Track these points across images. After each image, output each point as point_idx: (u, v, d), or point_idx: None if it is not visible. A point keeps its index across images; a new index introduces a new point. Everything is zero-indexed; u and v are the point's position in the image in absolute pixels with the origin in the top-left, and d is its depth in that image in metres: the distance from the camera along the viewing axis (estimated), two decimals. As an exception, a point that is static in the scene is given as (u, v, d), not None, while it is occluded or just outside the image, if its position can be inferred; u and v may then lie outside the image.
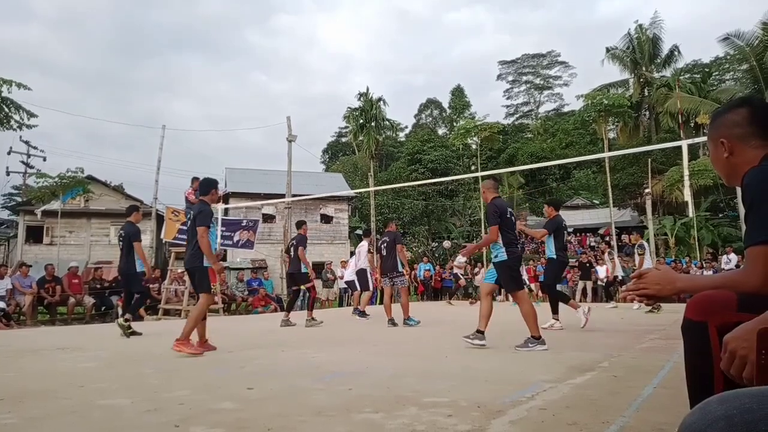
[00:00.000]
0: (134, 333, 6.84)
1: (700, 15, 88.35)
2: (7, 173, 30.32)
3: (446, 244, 28.30)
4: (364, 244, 10.57)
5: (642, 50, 34.39)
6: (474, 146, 34.15)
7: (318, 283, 18.63)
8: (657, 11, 59.86)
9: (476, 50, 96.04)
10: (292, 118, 20.42)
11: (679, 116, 25.59)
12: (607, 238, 30.57)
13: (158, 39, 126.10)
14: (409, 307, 8.22)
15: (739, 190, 1.50)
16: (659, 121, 32.75)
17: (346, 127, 46.91)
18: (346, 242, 28.86)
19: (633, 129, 34.17)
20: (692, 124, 26.94)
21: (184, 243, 13.83)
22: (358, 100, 37.07)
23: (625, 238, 30.35)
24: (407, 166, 39.00)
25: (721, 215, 28.20)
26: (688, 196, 8.60)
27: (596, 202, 36.79)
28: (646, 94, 34.70)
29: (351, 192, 28.43)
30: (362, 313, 9.84)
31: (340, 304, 17.05)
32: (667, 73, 34.27)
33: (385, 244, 8.33)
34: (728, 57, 30.77)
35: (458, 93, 53.81)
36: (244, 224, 15.28)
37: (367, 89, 36.87)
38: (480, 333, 5.06)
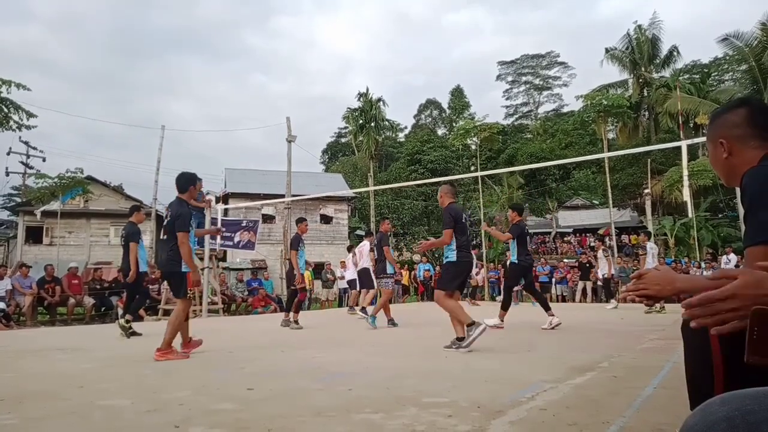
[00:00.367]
0: (134, 333, 6.84)
1: (699, 16, 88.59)
2: (7, 174, 30.33)
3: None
4: (365, 244, 10.62)
5: (641, 51, 34.40)
6: (473, 147, 34.13)
7: (317, 284, 18.69)
8: (656, 12, 60.01)
9: (476, 51, 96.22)
10: (291, 118, 20.42)
11: (679, 117, 25.59)
12: (606, 238, 30.59)
13: (158, 40, 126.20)
14: (385, 309, 8.11)
15: (738, 190, 1.50)
16: (658, 121, 32.78)
17: (345, 128, 46.93)
18: (345, 243, 28.87)
19: (632, 129, 34.19)
20: (691, 125, 26.96)
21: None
22: (358, 101, 37.06)
23: (624, 238, 30.45)
24: (407, 166, 39.01)
25: (720, 215, 28.21)
26: (687, 196, 8.62)
27: (596, 202, 36.79)
28: (646, 94, 34.72)
29: (350, 192, 28.43)
30: (363, 309, 9.85)
31: (340, 305, 17.04)
32: (667, 73, 34.30)
33: (376, 245, 8.39)
34: (727, 57, 30.84)
35: (458, 93, 53.83)
36: (244, 225, 15.26)
37: (367, 90, 36.87)
38: (460, 339, 5.00)
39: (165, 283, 4.82)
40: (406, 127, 55.93)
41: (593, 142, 36.63)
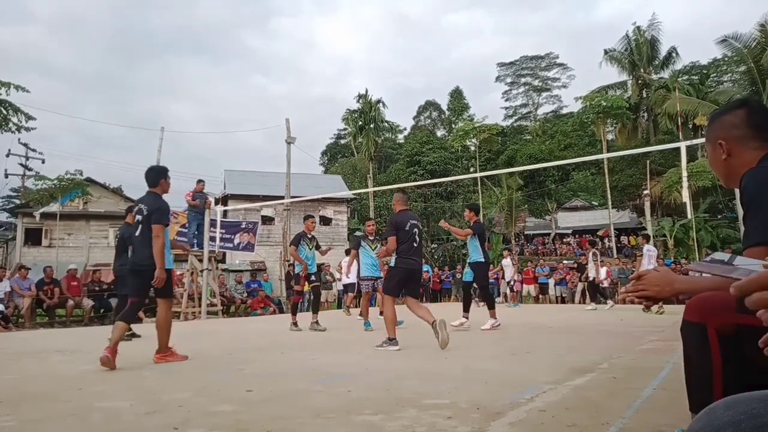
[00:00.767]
0: (134, 335, 6.83)
1: (697, 17, 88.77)
2: (6, 176, 30.31)
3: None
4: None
5: (640, 52, 34.46)
6: (473, 148, 34.22)
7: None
8: (655, 13, 60.19)
9: (475, 52, 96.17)
10: (291, 120, 20.48)
11: (678, 118, 25.65)
12: (599, 241, 30.57)
13: (158, 41, 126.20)
14: (367, 312, 8.11)
15: (737, 191, 1.50)
16: (657, 122, 32.83)
17: (345, 129, 46.99)
18: (345, 244, 28.85)
19: (631, 130, 34.24)
20: (690, 126, 27.00)
21: (182, 245, 13.67)
22: (357, 102, 37.11)
23: (624, 239, 30.48)
24: (406, 167, 39.02)
25: (719, 216, 28.24)
26: (686, 197, 8.64)
27: (595, 203, 36.84)
28: (645, 95, 34.78)
29: (350, 193, 28.43)
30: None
31: (339, 306, 17.03)
32: (666, 74, 34.36)
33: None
34: (726, 59, 30.90)
35: (457, 95, 53.87)
36: (243, 226, 15.28)
37: (366, 91, 36.89)
38: (392, 340, 5.27)
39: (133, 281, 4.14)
40: (405, 129, 55.96)
41: (592, 144, 36.68)
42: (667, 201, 27.01)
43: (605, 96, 31.63)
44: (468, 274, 7.90)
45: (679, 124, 25.32)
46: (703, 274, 1.17)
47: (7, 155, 28.89)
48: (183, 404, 2.86)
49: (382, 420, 2.46)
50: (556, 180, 39.47)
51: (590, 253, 14.32)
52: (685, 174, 8.31)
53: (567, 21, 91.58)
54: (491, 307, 7.35)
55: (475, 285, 7.95)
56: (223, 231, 13.67)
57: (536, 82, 57.01)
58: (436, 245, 33.25)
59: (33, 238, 25.51)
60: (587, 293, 14.18)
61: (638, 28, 34.90)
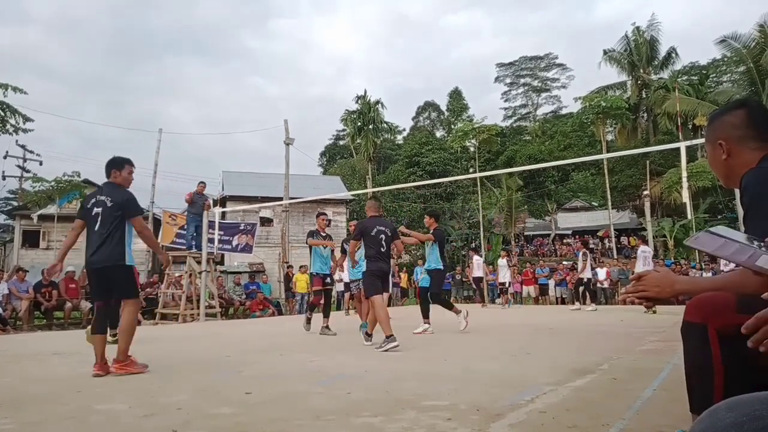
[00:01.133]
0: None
1: (697, 17, 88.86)
2: (3, 177, 30.20)
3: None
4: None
5: (639, 52, 34.51)
6: (472, 148, 34.19)
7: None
8: (654, 14, 60.32)
9: (474, 53, 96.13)
10: (289, 121, 20.50)
11: (677, 118, 25.69)
12: (604, 240, 30.62)
13: (156, 42, 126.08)
14: (363, 315, 7.91)
15: (737, 191, 1.50)
16: (657, 122, 32.87)
17: (343, 130, 47.01)
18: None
19: (631, 131, 34.28)
20: (690, 126, 27.04)
21: (182, 246, 13.56)
22: (356, 103, 37.12)
23: (624, 240, 30.50)
24: (405, 168, 39.06)
25: (719, 217, 28.26)
26: (686, 197, 8.65)
27: (595, 204, 36.87)
28: (644, 96, 34.82)
29: (349, 195, 28.43)
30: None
31: (338, 307, 17.02)
32: (665, 75, 34.41)
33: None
34: (725, 59, 30.95)
35: (456, 95, 53.95)
36: (242, 228, 15.27)
37: (365, 92, 36.91)
38: (389, 337, 5.33)
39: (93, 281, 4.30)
40: (404, 130, 56.04)
41: (592, 144, 36.71)
42: (667, 201, 27.04)
43: (605, 96, 31.65)
44: (425, 280, 7.95)
45: (679, 124, 25.37)
46: (721, 259, 1.17)
47: (5, 157, 28.81)
48: (182, 406, 2.85)
49: (381, 422, 2.45)
50: (556, 180, 39.49)
51: (581, 253, 14.33)
52: (684, 174, 8.32)
53: (567, 21, 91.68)
54: (426, 315, 7.42)
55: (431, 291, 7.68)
56: (222, 233, 13.65)
57: (535, 83, 57.08)
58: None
59: (30, 240, 25.45)
60: (577, 293, 14.16)
61: (638, 28, 34.99)
